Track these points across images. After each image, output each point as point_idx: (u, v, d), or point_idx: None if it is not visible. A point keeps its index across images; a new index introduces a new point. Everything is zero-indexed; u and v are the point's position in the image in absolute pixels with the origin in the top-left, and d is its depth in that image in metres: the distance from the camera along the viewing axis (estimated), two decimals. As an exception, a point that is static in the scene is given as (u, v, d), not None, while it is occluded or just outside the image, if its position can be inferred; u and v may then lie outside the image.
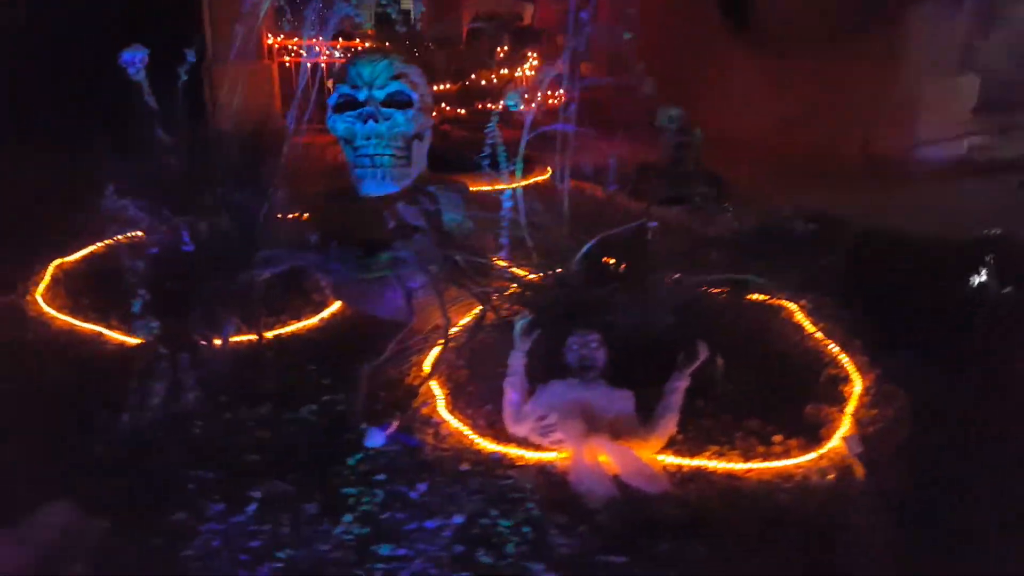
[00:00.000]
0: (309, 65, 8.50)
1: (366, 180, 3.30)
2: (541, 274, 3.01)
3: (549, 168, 7.05)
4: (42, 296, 3.78)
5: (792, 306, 3.52)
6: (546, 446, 2.55)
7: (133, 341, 3.26)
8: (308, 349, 3.28)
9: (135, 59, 3.44)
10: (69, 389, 2.93)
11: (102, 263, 4.22)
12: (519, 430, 2.63)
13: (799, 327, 3.41)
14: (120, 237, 4.43)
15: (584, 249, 2.78)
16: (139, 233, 4.32)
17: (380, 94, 3.26)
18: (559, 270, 2.92)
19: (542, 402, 2.63)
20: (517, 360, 2.72)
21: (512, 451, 2.55)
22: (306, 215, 3.77)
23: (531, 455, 2.53)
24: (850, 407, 2.81)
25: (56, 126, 6.02)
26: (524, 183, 6.74)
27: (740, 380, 2.88)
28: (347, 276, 3.12)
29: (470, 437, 2.64)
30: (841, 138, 7.69)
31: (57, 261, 4.17)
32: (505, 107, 6.79)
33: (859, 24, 7.50)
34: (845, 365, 3.08)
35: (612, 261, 2.95)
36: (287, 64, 8.90)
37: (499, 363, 2.97)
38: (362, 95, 3.27)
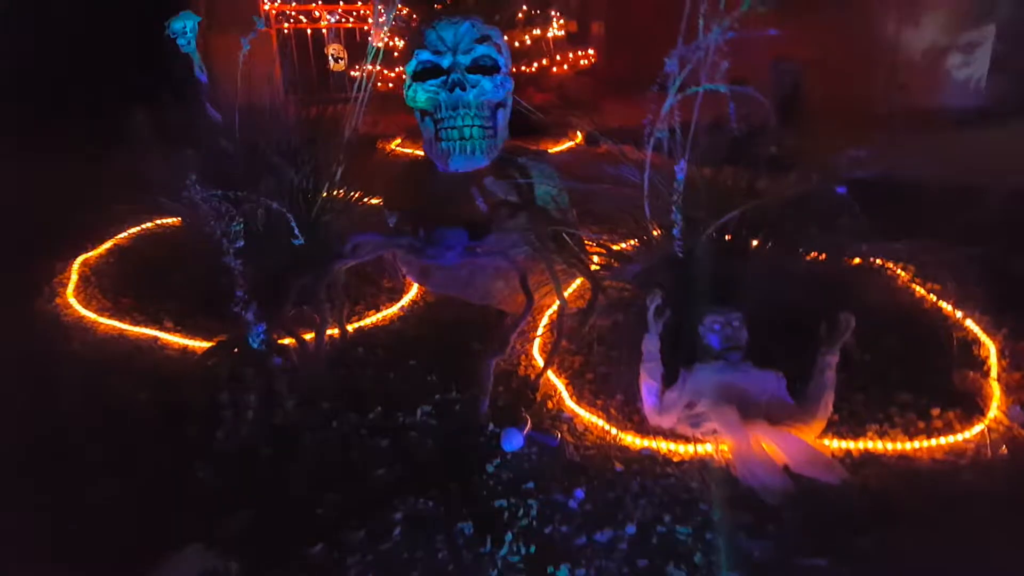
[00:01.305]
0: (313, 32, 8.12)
1: (454, 155, 3.02)
2: (660, 249, 2.77)
3: (579, 132, 6.85)
4: (75, 298, 3.47)
5: (900, 270, 3.37)
6: (699, 438, 2.36)
7: (200, 344, 2.99)
8: (400, 342, 3.04)
9: (186, 28, 3.09)
10: (144, 407, 2.64)
11: (133, 256, 3.91)
12: (664, 421, 2.43)
13: (912, 290, 3.25)
14: (146, 224, 4.15)
15: (723, 220, 2.55)
16: (171, 220, 4.03)
17: (465, 59, 2.96)
18: (684, 245, 2.69)
19: (688, 389, 2.42)
20: (652, 344, 2.50)
21: (664, 446, 2.36)
22: (377, 197, 3.49)
23: (686, 449, 2.34)
24: (993, 371, 2.68)
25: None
26: (557, 149, 6.58)
27: (872, 350, 2.72)
28: (449, 260, 2.85)
29: (612, 433, 2.43)
30: (868, 86, 7.52)
31: (81, 257, 3.85)
32: (539, 68, 6.47)
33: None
34: (971, 327, 2.94)
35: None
36: (285, 31, 8.41)
37: (615, 347, 2.79)
38: (446, 61, 2.96)
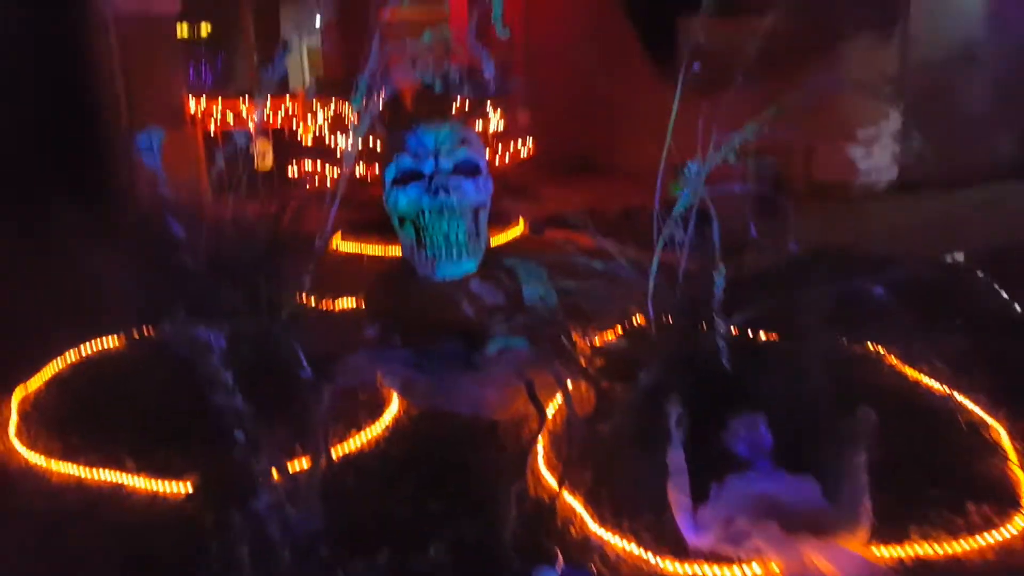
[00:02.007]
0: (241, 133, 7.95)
1: (441, 261, 2.87)
2: (666, 349, 2.67)
3: (522, 219, 6.85)
4: (17, 438, 3.03)
5: (883, 352, 3.38)
6: (744, 558, 2.20)
7: (170, 488, 2.63)
8: (392, 466, 2.75)
9: (151, 142, 2.89)
10: (113, 569, 2.26)
11: (77, 386, 3.48)
12: (703, 541, 2.25)
13: (901, 373, 3.25)
14: (90, 347, 3.74)
15: (735, 320, 2.47)
16: (113, 342, 3.66)
17: (447, 163, 2.87)
18: (692, 344, 2.60)
19: (722, 504, 2.28)
20: (677, 456, 2.36)
21: (709, 572, 2.17)
22: (356, 304, 3.28)
23: (733, 572, 2.16)
24: (1011, 456, 2.66)
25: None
26: (504, 238, 6.53)
27: (884, 441, 2.66)
28: (448, 376, 2.65)
29: (650, 560, 2.23)
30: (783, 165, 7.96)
31: (20, 391, 3.39)
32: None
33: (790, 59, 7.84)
34: (973, 409, 2.95)
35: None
36: (211, 133, 8.18)
37: (626, 457, 2.63)
38: (428, 166, 2.86)
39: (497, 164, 6.99)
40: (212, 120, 8.25)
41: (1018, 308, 3.73)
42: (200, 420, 2.75)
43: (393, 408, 3.15)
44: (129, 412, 3.00)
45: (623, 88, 9.45)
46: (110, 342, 3.62)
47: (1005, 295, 3.66)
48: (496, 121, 6.88)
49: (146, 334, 3.12)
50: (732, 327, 2.51)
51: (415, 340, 2.77)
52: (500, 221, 6.65)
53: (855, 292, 2.55)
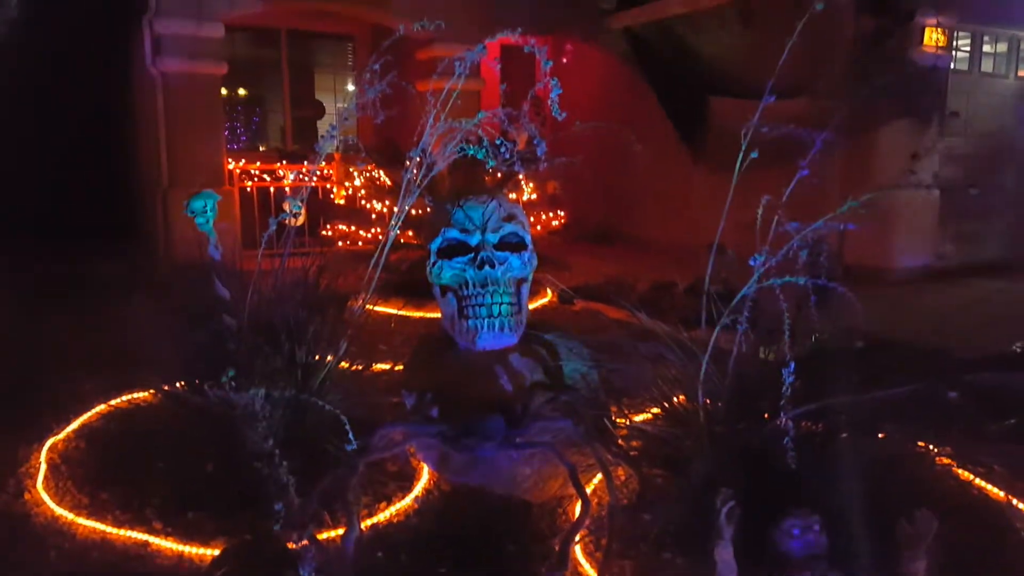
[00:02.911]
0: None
1: (482, 332, 2.84)
2: (717, 437, 2.58)
3: (549, 290, 6.85)
4: (46, 492, 2.97)
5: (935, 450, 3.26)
6: (797, 665, 2.07)
7: (197, 551, 2.55)
8: (422, 542, 2.66)
9: (206, 207, 2.92)
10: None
11: (106, 439, 3.44)
12: (752, 645, 2.13)
13: (959, 475, 3.11)
14: (122, 400, 3.71)
15: (796, 413, 2.38)
16: (142, 395, 3.64)
17: (494, 237, 2.87)
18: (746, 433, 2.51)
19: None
20: (727, 554, 2.23)
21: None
22: (394, 371, 3.24)
23: None
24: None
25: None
26: (531, 306, 6.51)
27: (941, 546, 2.53)
28: (488, 452, 2.58)
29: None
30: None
31: (50, 441, 3.35)
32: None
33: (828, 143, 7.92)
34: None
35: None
36: (248, 189, 8.34)
37: (671, 552, 2.52)
38: (474, 239, 2.86)
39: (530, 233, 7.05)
40: (249, 179, 8.42)
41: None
42: (231, 484, 2.71)
43: (423, 481, 3.08)
44: (160, 470, 2.96)
45: (650, 163, 9.60)
46: (145, 397, 3.60)
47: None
48: (528, 191, 6.97)
49: (182, 391, 3.09)
50: (792, 420, 2.42)
51: (452, 412, 2.71)
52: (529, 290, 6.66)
53: (925, 392, 2.47)
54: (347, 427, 2.30)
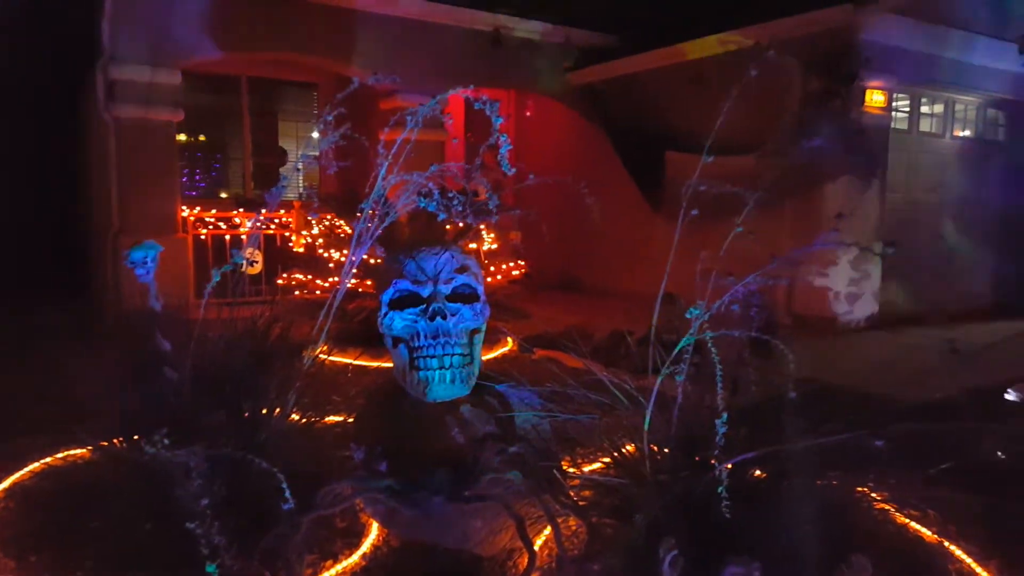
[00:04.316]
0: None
1: (433, 384, 2.82)
2: (661, 487, 2.60)
3: (510, 338, 6.86)
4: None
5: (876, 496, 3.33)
6: None
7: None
8: (368, 603, 2.60)
9: (146, 258, 2.88)
10: None
11: (39, 499, 3.29)
12: None
13: (893, 519, 3.18)
14: (56, 457, 3.56)
15: (733, 460, 2.42)
16: (79, 452, 3.50)
17: (446, 288, 2.88)
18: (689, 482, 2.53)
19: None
20: (675, 606, 2.24)
21: None
22: (347, 423, 3.19)
23: None
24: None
25: None
26: (491, 355, 6.51)
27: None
28: (436, 508, 2.54)
29: None
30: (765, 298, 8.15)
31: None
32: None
33: (775, 199, 8.21)
34: (964, 559, 2.88)
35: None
36: (202, 237, 8.24)
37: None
38: (426, 291, 2.87)
39: (489, 282, 7.10)
40: (204, 227, 8.33)
41: (1000, 455, 3.73)
42: (171, 544, 2.61)
43: (371, 538, 3.02)
44: (95, 530, 2.83)
45: (611, 214, 9.81)
46: (82, 454, 3.47)
47: (992, 441, 3.67)
48: (489, 242, 7.03)
49: (119, 449, 2.99)
50: (729, 467, 2.45)
51: (402, 466, 2.68)
52: (489, 339, 6.67)
53: (854, 441, 2.53)
54: (283, 485, 2.24)
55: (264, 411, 3.09)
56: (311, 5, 8.51)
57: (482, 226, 6.87)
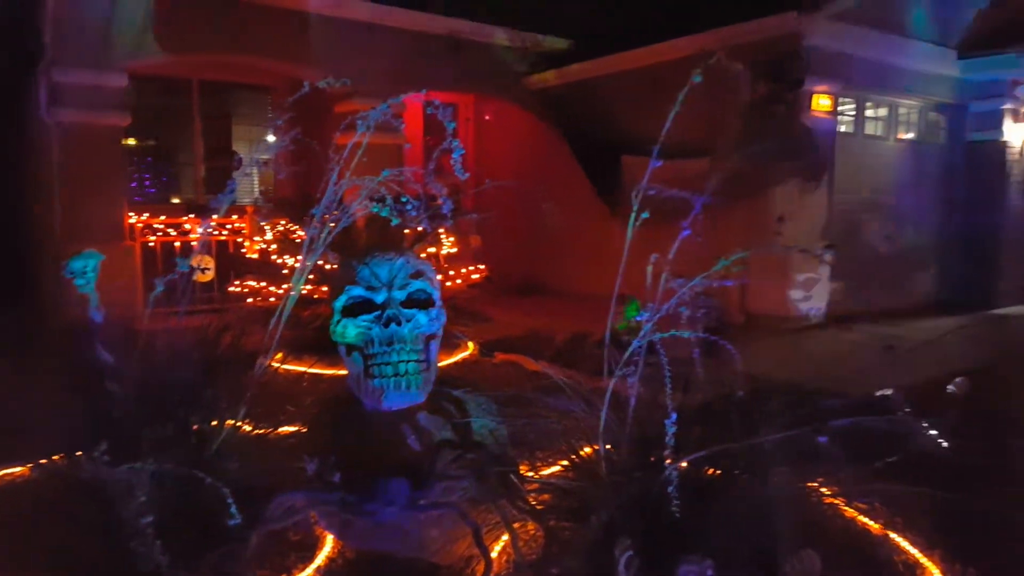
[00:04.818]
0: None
1: (388, 392, 2.80)
2: (616, 488, 2.62)
3: (471, 343, 6.85)
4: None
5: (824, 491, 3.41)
6: None
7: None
8: (324, 616, 2.55)
9: (86, 268, 2.79)
10: None
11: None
12: None
13: (841, 513, 3.26)
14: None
15: (685, 459, 2.46)
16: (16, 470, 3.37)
17: (401, 294, 2.87)
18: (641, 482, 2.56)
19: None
20: (629, 605, 2.26)
21: None
22: (301, 433, 3.14)
23: None
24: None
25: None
26: (451, 360, 6.48)
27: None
28: (390, 517, 2.51)
29: None
30: (719, 297, 8.29)
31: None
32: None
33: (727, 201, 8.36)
34: (908, 549, 2.97)
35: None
36: (151, 245, 8.04)
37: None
38: (380, 297, 2.85)
39: (449, 287, 7.07)
40: (153, 234, 8.13)
41: (944, 444, 3.87)
42: (112, 567, 2.53)
43: (326, 550, 2.97)
44: (37, 551, 2.72)
45: (570, 217, 9.88)
46: (21, 472, 3.34)
47: (935, 434, 3.79)
48: (448, 246, 7.01)
49: (60, 466, 2.88)
50: (681, 465, 2.49)
51: (355, 476, 2.64)
52: (450, 344, 6.65)
53: (801, 437, 2.59)
54: (229, 500, 2.20)
55: (214, 423, 3.02)
56: (262, 7, 8.37)
57: (441, 230, 6.85)
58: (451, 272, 6.98)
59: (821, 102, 8.11)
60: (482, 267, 7.46)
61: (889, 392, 3.65)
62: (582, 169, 10.32)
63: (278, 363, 5.09)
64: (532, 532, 2.87)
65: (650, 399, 2.81)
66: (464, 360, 6.55)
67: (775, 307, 8.26)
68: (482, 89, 10.93)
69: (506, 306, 9.02)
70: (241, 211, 8.69)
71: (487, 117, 11.85)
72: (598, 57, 10.07)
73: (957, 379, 4.67)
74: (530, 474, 2.95)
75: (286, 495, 2.51)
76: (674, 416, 2.31)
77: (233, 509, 2.22)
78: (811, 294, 8.41)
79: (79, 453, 2.64)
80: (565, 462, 3.06)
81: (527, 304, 9.85)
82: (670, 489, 2.39)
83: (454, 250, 7.09)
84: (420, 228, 6.13)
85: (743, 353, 3.07)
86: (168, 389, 2.96)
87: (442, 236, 6.82)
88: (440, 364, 6.21)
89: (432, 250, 6.69)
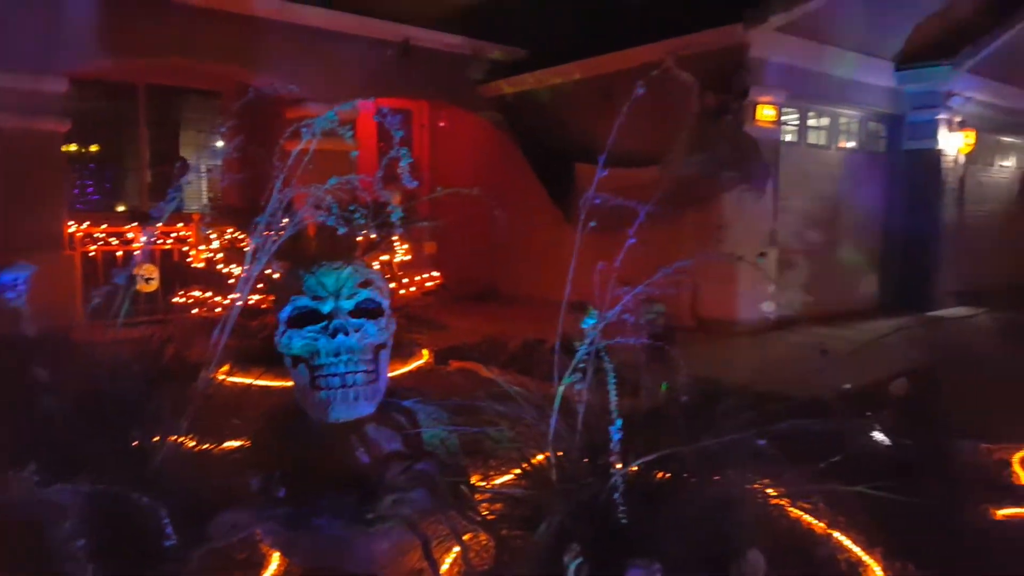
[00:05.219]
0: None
1: (335, 404, 2.75)
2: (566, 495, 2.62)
3: (425, 351, 6.80)
4: None
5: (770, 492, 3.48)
6: None
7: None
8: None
9: (17, 280, 2.68)
10: None
11: None
12: None
13: (786, 513, 3.33)
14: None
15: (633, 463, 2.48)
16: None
17: (348, 304, 2.82)
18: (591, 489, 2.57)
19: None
20: (580, 612, 2.26)
21: None
22: (243, 445, 3.06)
23: None
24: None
25: None
26: (405, 369, 6.43)
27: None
28: (337, 531, 2.46)
29: None
30: (671, 302, 8.41)
31: None
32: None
33: (676, 205, 8.51)
34: (851, 548, 3.05)
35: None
36: (91, 254, 7.78)
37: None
38: (327, 307, 2.80)
39: (403, 294, 7.01)
40: (94, 242, 7.87)
41: (887, 441, 3.99)
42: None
43: (272, 568, 2.90)
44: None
45: (526, 223, 9.90)
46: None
47: (880, 435, 3.91)
48: (401, 253, 6.96)
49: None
50: (628, 470, 2.51)
51: (302, 491, 2.59)
52: (404, 352, 6.59)
53: (744, 440, 2.64)
54: (165, 520, 2.13)
55: (156, 438, 2.93)
56: (208, 11, 8.21)
57: (395, 237, 6.80)
58: (405, 280, 6.93)
59: (765, 112, 8.33)
60: (436, 274, 7.42)
61: (840, 391, 3.75)
62: (537, 176, 10.38)
63: (225, 375, 4.98)
64: (484, 542, 2.86)
65: (600, 405, 2.83)
66: (419, 368, 6.51)
67: (725, 312, 8.44)
68: (436, 96, 10.91)
69: (462, 313, 9.00)
70: (187, 219, 8.49)
71: (442, 124, 11.83)
72: (551, 67, 10.16)
73: (896, 380, 4.83)
74: (482, 484, 2.93)
75: (230, 512, 2.45)
76: (619, 422, 2.33)
77: (169, 530, 2.15)
78: (760, 299, 8.60)
79: (8, 473, 2.53)
80: (518, 471, 3.05)
81: (483, 310, 9.84)
82: (615, 496, 2.40)
83: (408, 257, 7.04)
84: (371, 236, 6.09)
85: (692, 357, 3.12)
86: (107, 404, 2.86)
87: (396, 243, 6.76)
88: (394, 373, 6.24)
89: (385, 258, 6.62)
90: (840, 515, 3.21)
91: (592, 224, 2.59)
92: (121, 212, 9.59)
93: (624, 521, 2.45)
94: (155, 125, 10.17)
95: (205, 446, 3.23)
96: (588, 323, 2.44)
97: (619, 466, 2.43)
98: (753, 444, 2.59)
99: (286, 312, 2.82)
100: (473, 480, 2.93)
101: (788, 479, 2.82)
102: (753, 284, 8.54)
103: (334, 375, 2.76)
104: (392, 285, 6.66)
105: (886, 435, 4.04)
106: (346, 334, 2.77)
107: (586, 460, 2.72)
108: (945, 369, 6.19)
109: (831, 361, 6.78)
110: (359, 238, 6.16)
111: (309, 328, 2.79)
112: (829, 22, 8.91)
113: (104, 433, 2.71)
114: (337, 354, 2.76)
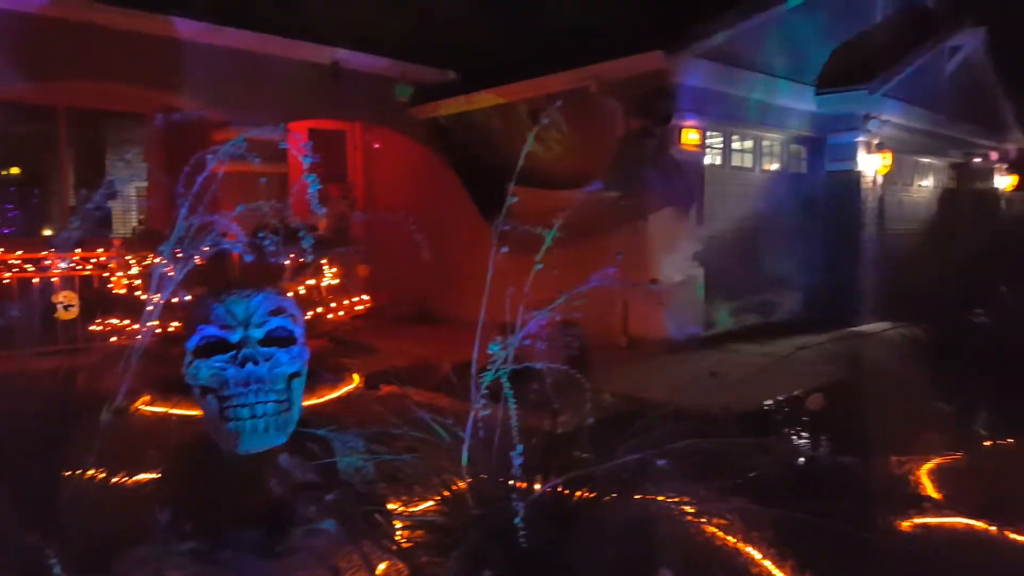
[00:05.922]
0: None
1: (245, 435, 2.69)
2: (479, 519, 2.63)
3: (356, 375, 6.70)
4: None
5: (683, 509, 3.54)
6: None
7: None
8: None
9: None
10: None
11: None
12: None
13: (698, 529, 3.39)
14: None
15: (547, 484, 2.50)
16: None
17: (259, 332, 2.77)
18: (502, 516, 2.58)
19: None
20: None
21: None
22: (153, 482, 2.95)
23: None
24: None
25: None
26: (335, 394, 6.33)
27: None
28: (246, 566, 2.40)
29: None
30: (602, 321, 8.54)
31: None
32: (314, 315, 6.36)
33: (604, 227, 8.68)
34: (764, 564, 3.13)
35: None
36: (5, 282, 7.42)
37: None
38: (236, 336, 2.74)
39: (331, 319, 6.92)
40: (8, 270, 7.51)
41: (802, 459, 4.14)
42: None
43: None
44: None
45: (457, 245, 9.93)
46: None
47: (792, 448, 4.05)
48: (330, 276, 6.87)
49: None
50: (534, 492, 2.54)
51: (210, 525, 2.52)
52: (334, 378, 6.48)
53: (649, 458, 2.69)
54: (53, 561, 2.04)
55: (63, 472, 2.80)
56: (128, 33, 8.01)
57: (323, 261, 6.72)
58: (334, 304, 6.84)
59: (690, 136, 8.59)
60: (366, 297, 7.35)
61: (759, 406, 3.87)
62: (471, 198, 10.43)
63: (143, 405, 4.82)
64: (400, 570, 2.83)
65: (521, 428, 2.84)
66: (348, 394, 6.41)
67: (654, 331, 8.61)
68: (367, 118, 10.89)
69: (395, 336, 8.93)
70: (108, 244, 8.19)
71: (376, 145, 11.79)
72: (480, 89, 10.26)
73: (812, 395, 5.02)
74: (400, 510, 2.90)
75: (135, 548, 2.36)
76: (519, 447, 2.35)
77: (57, 570, 2.06)
78: (689, 317, 8.82)
79: None
80: (438, 497, 3.04)
81: (417, 333, 9.78)
82: (524, 520, 2.42)
83: (336, 281, 6.96)
84: (300, 260, 6.01)
85: (617, 376, 3.16)
86: (10, 437, 2.72)
87: (324, 267, 6.68)
88: (324, 399, 6.12)
89: (312, 282, 6.53)
90: (754, 531, 3.29)
91: (504, 250, 2.63)
92: (46, 237, 9.22)
93: (536, 545, 2.46)
94: (77, 148, 9.83)
95: (116, 479, 3.11)
96: (493, 348, 2.47)
97: (525, 487, 2.45)
98: (657, 463, 2.64)
99: (193, 342, 2.75)
100: (391, 507, 2.90)
101: (704, 496, 2.89)
102: (683, 302, 8.76)
103: (243, 406, 2.70)
104: (320, 309, 6.58)
105: (801, 449, 4.19)
106: (256, 364, 2.72)
107: (501, 483, 2.74)
108: (861, 383, 6.46)
109: (749, 376, 6.98)
110: (286, 262, 6.07)
111: (217, 358, 2.74)
112: (749, 48, 9.28)
113: (3, 468, 2.58)
114: (247, 384, 2.71)
